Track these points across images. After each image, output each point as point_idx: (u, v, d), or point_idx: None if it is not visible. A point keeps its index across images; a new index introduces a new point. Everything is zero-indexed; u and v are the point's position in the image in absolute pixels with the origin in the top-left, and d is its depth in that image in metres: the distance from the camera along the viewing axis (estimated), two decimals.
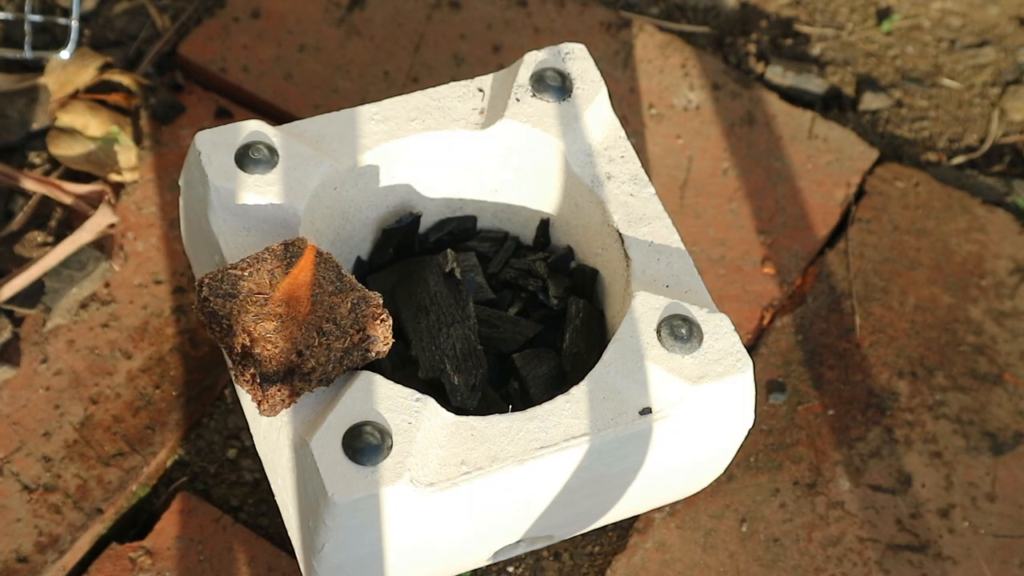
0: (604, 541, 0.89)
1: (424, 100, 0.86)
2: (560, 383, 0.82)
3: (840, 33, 1.15)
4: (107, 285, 0.95)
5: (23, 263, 0.96)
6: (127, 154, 1.00)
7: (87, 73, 1.03)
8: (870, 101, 1.10)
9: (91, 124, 1.01)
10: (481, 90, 0.87)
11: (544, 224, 0.89)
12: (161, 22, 1.09)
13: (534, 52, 0.87)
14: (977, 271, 1.01)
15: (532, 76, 0.86)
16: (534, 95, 0.86)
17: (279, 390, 0.72)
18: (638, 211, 0.83)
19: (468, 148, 0.86)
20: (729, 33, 1.14)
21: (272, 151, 0.82)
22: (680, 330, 0.77)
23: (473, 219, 0.90)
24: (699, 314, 0.78)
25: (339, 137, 0.84)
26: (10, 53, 1.05)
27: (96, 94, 1.04)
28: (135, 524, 0.88)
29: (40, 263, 0.94)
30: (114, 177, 0.99)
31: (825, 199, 1.03)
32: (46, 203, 0.99)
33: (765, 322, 0.98)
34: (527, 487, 0.75)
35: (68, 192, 0.98)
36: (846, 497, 0.90)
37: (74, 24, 1.05)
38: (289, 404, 0.73)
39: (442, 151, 0.86)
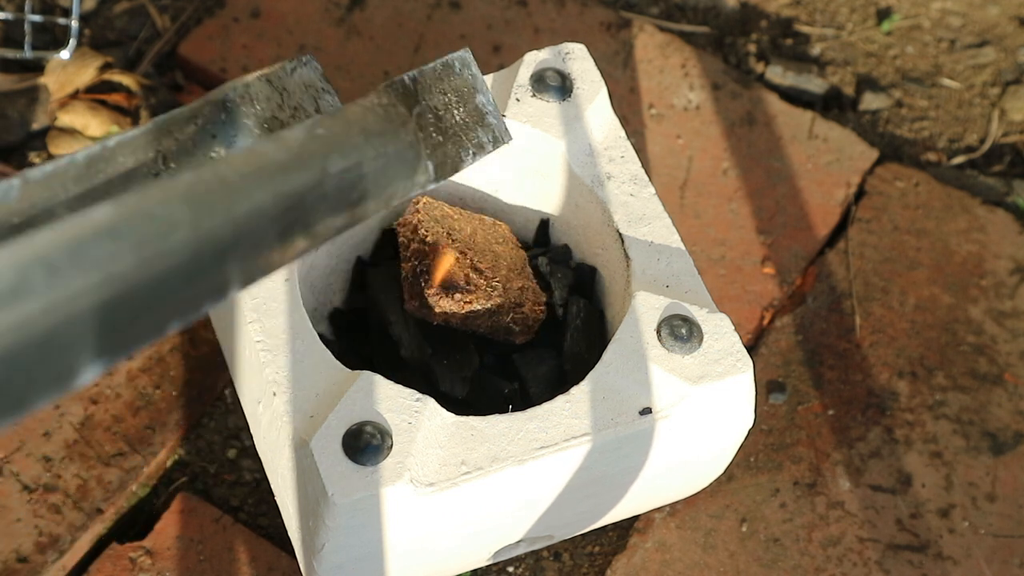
0: (604, 541, 0.89)
1: None
2: (560, 383, 0.82)
3: (840, 33, 1.15)
4: None
5: None
6: None
7: (87, 73, 1.03)
8: (870, 101, 1.10)
9: (91, 124, 1.01)
10: None
11: (544, 224, 0.89)
12: (161, 22, 1.09)
13: (534, 52, 0.87)
14: (977, 271, 1.01)
15: (532, 76, 0.86)
16: (534, 95, 0.85)
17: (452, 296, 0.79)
18: (638, 211, 0.83)
19: None
20: (729, 33, 1.14)
21: None
22: (680, 330, 0.77)
23: None
24: (699, 314, 0.78)
25: None
26: (10, 53, 1.05)
27: (96, 94, 1.03)
28: (135, 524, 0.88)
29: None
30: None
31: (825, 199, 1.03)
32: None
33: (765, 322, 0.98)
34: (527, 487, 0.75)
35: None
36: (846, 497, 0.90)
37: (74, 24, 1.04)
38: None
39: None
